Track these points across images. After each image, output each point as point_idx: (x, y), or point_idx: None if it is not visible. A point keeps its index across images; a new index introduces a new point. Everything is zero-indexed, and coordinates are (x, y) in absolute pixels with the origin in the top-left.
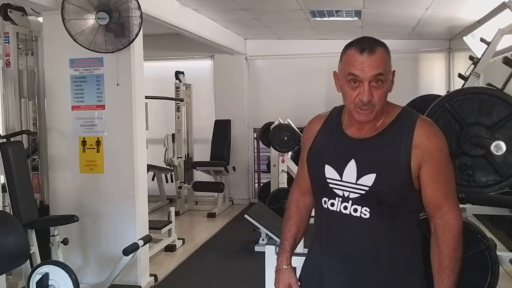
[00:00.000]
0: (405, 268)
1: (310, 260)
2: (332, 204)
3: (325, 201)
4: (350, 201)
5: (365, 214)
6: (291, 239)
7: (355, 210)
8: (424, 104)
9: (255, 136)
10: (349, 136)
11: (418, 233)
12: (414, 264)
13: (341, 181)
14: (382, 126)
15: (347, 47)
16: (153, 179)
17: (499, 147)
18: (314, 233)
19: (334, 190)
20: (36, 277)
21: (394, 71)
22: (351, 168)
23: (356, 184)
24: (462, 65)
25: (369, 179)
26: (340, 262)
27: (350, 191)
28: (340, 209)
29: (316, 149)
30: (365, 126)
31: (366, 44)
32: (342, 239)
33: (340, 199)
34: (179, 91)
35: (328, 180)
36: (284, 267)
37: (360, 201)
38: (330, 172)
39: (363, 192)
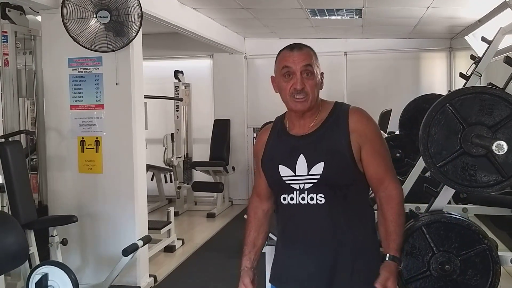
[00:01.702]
0: (363, 245)
1: (276, 258)
2: (292, 198)
3: (284, 198)
4: (306, 192)
5: (320, 200)
6: (250, 244)
7: (312, 199)
8: (426, 103)
9: (255, 135)
10: (294, 135)
11: (371, 211)
12: (370, 240)
13: (295, 175)
14: (320, 121)
15: (280, 51)
16: (152, 179)
17: (500, 147)
18: (278, 232)
19: (291, 185)
20: (35, 277)
21: (323, 72)
22: (301, 162)
23: (308, 175)
24: (463, 64)
25: (319, 168)
26: (306, 250)
27: (304, 183)
28: (299, 201)
29: (268, 154)
30: (306, 123)
31: (296, 45)
32: (304, 228)
33: (297, 192)
34: (178, 90)
35: (284, 178)
36: (243, 269)
37: (314, 189)
38: (284, 170)
39: (316, 180)
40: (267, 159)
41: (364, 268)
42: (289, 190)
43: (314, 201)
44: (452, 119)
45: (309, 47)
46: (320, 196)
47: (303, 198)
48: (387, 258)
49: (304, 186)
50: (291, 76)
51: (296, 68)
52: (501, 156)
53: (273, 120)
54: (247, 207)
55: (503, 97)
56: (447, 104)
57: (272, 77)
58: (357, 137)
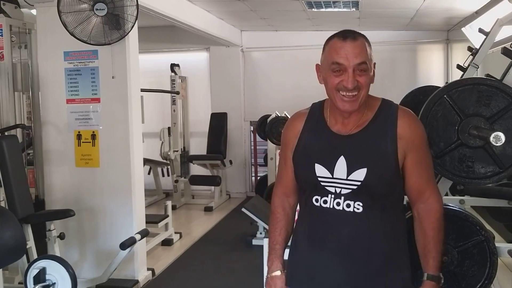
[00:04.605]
0: (396, 256)
1: (295, 258)
2: (325, 202)
3: (317, 199)
4: (342, 197)
5: (358, 209)
6: (283, 243)
7: (348, 206)
8: (423, 95)
9: (252, 129)
10: (336, 133)
11: (404, 220)
12: (402, 251)
13: (332, 178)
14: (365, 121)
15: (330, 38)
16: (149, 173)
17: (498, 138)
18: (299, 231)
19: (326, 187)
20: (33, 271)
21: (375, 63)
22: (341, 164)
23: (347, 180)
24: (460, 56)
25: (360, 174)
26: (336, 257)
27: (341, 187)
28: (333, 206)
29: (303, 148)
30: (350, 121)
31: (349, 33)
32: (337, 234)
33: (333, 195)
34: (174, 84)
35: (319, 179)
36: (279, 273)
37: (352, 196)
38: (320, 170)
39: (355, 187)
40: (302, 153)
41: (397, 279)
42: (324, 192)
43: (350, 208)
44: (450, 111)
45: (363, 36)
46: (358, 204)
47: (338, 204)
48: (425, 278)
49: (341, 191)
50: (341, 73)
51: (348, 64)
52: (499, 147)
53: (309, 107)
54: (272, 201)
55: (500, 88)
56: (445, 96)
57: (317, 65)
58: (404, 143)
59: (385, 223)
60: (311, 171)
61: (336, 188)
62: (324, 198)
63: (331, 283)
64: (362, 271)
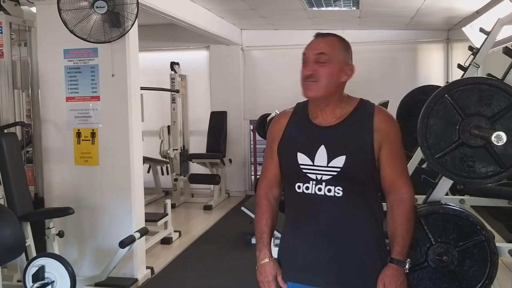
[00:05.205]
0: (375, 238)
1: (285, 244)
2: (307, 188)
3: (299, 186)
4: (324, 183)
5: (338, 193)
6: (269, 232)
7: (329, 191)
8: (423, 95)
9: (252, 128)
10: (317, 124)
11: (381, 210)
12: (379, 235)
13: (313, 165)
14: (345, 114)
15: None
16: (148, 172)
17: (500, 137)
18: (286, 219)
19: (308, 174)
20: (32, 269)
21: (353, 65)
22: (321, 153)
23: (327, 167)
24: (460, 55)
25: (340, 161)
26: (320, 240)
27: (322, 174)
28: (315, 191)
29: (287, 139)
30: (327, 114)
31: (323, 33)
32: (319, 219)
33: (314, 182)
34: (174, 82)
35: (301, 166)
36: (267, 260)
37: (332, 181)
38: (302, 158)
39: (335, 173)
40: (286, 144)
41: (376, 260)
42: (305, 179)
43: (331, 193)
44: (451, 110)
45: (338, 37)
46: (338, 189)
47: (319, 189)
48: (390, 261)
49: (322, 178)
50: (306, 63)
51: (309, 55)
52: (500, 147)
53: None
54: (256, 193)
55: (501, 88)
56: (446, 95)
57: None
58: (379, 136)
59: (364, 207)
60: (294, 160)
61: (317, 175)
62: (306, 184)
63: (315, 265)
64: (343, 252)
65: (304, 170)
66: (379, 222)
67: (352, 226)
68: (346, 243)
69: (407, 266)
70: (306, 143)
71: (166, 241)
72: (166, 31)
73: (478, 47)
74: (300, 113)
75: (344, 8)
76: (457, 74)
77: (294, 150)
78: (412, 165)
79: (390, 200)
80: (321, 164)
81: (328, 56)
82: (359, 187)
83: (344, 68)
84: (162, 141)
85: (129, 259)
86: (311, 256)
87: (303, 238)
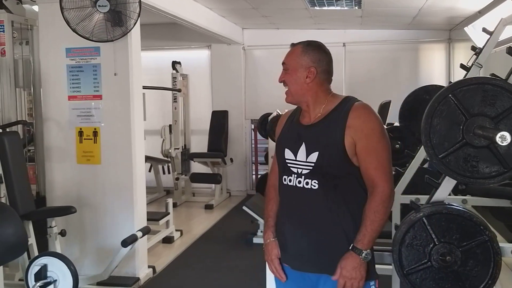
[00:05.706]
0: (348, 230)
1: (278, 230)
2: (290, 180)
3: (284, 179)
4: (303, 176)
5: (314, 186)
6: (274, 216)
7: (307, 183)
8: (427, 94)
9: (253, 127)
10: (301, 124)
11: (357, 202)
12: (354, 227)
13: (296, 160)
14: (325, 113)
15: None
16: (150, 171)
17: (504, 138)
18: (280, 207)
19: (291, 168)
20: (34, 268)
21: (313, 67)
22: (302, 149)
23: (306, 162)
24: (462, 55)
25: (314, 157)
26: (299, 227)
27: (302, 168)
28: (295, 184)
29: (280, 137)
30: (310, 114)
31: (296, 43)
32: (298, 208)
33: (295, 175)
34: (176, 81)
35: (287, 161)
36: (271, 239)
37: (309, 175)
38: (288, 153)
39: (311, 167)
40: (279, 142)
41: (342, 252)
42: (290, 172)
43: (309, 186)
44: (455, 110)
45: (303, 44)
46: (314, 182)
47: (299, 182)
48: (351, 248)
49: (301, 171)
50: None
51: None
52: (504, 147)
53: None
54: (266, 185)
55: (505, 88)
56: (450, 95)
57: None
58: (352, 132)
59: (338, 200)
60: (282, 155)
61: (298, 169)
62: (290, 177)
63: (297, 250)
64: (319, 240)
65: (289, 164)
66: (353, 213)
67: (327, 217)
68: (322, 232)
69: (363, 255)
70: (292, 140)
71: (168, 240)
72: (168, 30)
73: (481, 47)
74: (295, 114)
75: (346, 8)
76: (459, 74)
77: (283, 147)
78: (414, 165)
79: (368, 193)
80: (301, 159)
81: (288, 65)
82: (332, 181)
83: (306, 72)
84: (163, 140)
85: (131, 258)
86: (293, 242)
87: (286, 226)
